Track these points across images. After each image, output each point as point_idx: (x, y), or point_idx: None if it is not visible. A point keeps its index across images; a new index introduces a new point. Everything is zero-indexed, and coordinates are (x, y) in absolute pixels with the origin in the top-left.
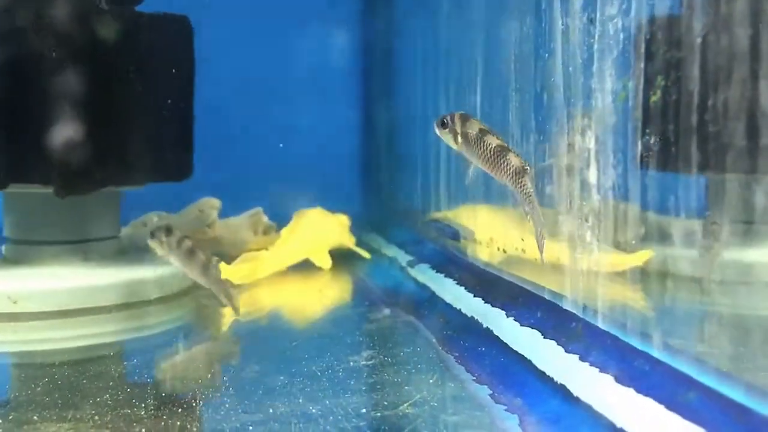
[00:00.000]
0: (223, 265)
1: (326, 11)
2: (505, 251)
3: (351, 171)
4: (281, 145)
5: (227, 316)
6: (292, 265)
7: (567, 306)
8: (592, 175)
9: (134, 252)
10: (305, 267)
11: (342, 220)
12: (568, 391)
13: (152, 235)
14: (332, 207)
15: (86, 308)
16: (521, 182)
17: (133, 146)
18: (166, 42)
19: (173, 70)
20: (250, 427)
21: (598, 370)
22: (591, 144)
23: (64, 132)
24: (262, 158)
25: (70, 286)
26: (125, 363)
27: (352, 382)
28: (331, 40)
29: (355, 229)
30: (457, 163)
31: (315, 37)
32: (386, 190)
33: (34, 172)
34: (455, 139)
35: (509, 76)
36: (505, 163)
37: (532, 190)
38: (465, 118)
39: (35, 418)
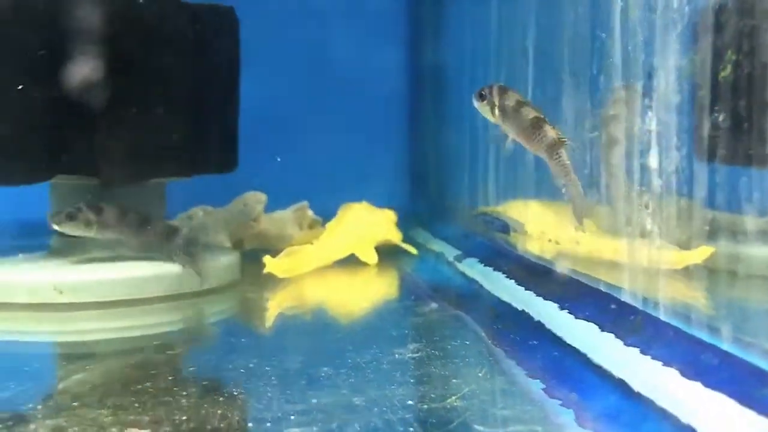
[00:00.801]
0: (267, 258)
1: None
2: (557, 243)
3: (397, 166)
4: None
5: (272, 309)
6: (338, 260)
7: (625, 298)
8: (653, 159)
9: None
10: (350, 262)
11: (388, 215)
12: (628, 385)
13: (71, 217)
14: (378, 202)
15: (131, 300)
16: (557, 154)
17: (178, 138)
18: (212, 33)
19: (219, 62)
20: (293, 417)
21: (661, 363)
22: (652, 125)
23: (110, 123)
24: (308, 152)
25: (116, 278)
26: (168, 353)
27: (397, 375)
28: (376, 50)
29: (402, 224)
30: (506, 158)
31: (359, 46)
32: (433, 186)
33: (79, 164)
34: (492, 112)
35: (562, 60)
36: (541, 135)
37: (568, 162)
38: (503, 90)
39: (75, 404)
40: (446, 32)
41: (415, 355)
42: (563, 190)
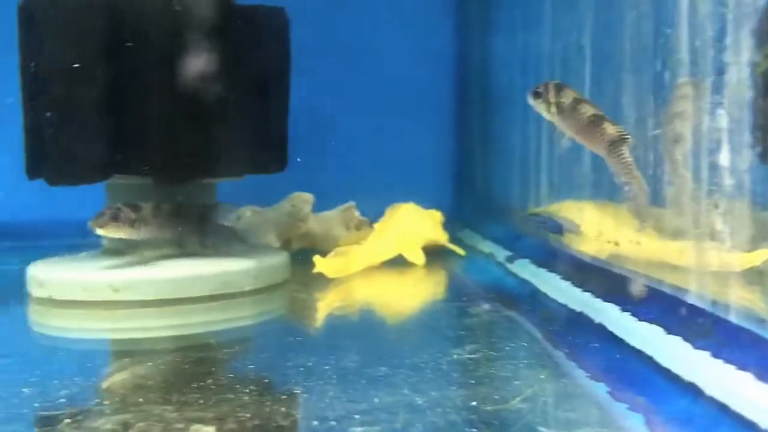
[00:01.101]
0: (317, 257)
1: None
2: (617, 244)
3: (444, 167)
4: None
5: (322, 309)
6: (385, 261)
7: (692, 300)
8: (724, 158)
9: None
10: (398, 262)
11: (435, 216)
12: (700, 389)
13: (114, 217)
14: (424, 203)
15: (184, 298)
16: (618, 152)
17: (230, 138)
18: (263, 34)
19: (270, 62)
20: (356, 416)
21: (735, 367)
22: (723, 122)
23: (164, 123)
24: (355, 154)
25: (169, 277)
26: (226, 351)
27: (457, 375)
28: (422, 50)
29: (448, 226)
30: (559, 157)
31: (405, 45)
32: (480, 187)
33: (135, 164)
34: (549, 110)
35: (623, 56)
36: (601, 133)
37: (631, 159)
38: (560, 88)
39: (140, 400)
40: (495, 28)
41: (473, 356)
42: (625, 188)
